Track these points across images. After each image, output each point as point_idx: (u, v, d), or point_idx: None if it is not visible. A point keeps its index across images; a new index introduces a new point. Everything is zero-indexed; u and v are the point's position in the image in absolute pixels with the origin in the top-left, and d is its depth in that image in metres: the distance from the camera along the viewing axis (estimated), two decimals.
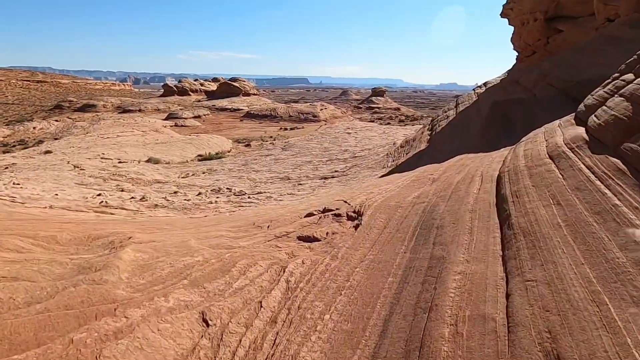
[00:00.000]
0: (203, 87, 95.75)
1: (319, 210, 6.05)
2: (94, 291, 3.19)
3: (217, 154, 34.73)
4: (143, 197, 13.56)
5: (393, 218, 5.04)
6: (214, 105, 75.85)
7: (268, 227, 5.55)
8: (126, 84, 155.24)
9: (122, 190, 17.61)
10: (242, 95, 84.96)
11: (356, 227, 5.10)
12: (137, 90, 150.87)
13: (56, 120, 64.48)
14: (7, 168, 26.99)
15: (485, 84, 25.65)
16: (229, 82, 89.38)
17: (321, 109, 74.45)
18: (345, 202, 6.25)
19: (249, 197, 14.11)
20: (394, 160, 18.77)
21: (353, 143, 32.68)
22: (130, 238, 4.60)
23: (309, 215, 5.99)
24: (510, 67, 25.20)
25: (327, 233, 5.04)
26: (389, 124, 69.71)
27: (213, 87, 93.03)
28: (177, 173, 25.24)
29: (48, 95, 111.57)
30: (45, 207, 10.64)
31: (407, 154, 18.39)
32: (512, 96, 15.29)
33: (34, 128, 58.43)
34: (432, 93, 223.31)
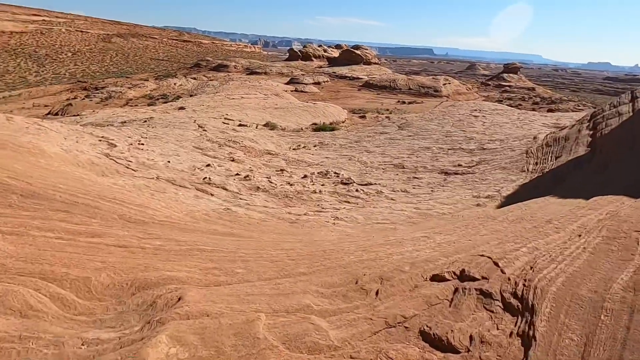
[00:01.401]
0: (325, 54, 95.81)
1: (453, 274, 4.08)
2: None
3: (331, 124, 33.99)
4: (247, 176, 12.94)
5: (596, 339, 2.88)
6: (334, 72, 75.32)
7: (377, 293, 3.82)
8: (256, 47, 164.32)
9: (233, 160, 17.52)
10: (363, 64, 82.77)
11: (522, 336, 3.06)
12: (265, 53, 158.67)
13: (193, 78, 70.71)
14: (145, 122, 29.73)
15: None
16: (351, 49, 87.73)
17: (444, 84, 68.74)
18: (495, 264, 4.15)
19: (356, 190, 12.52)
20: (537, 164, 15.20)
21: (480, 129, 28.57)
22: (180, 299, 3.33)
23: (438, 278, 4.07)
24: None
25: (470, 338, 3.12)
26: (519, 105, 60.84)
27: (335, 53, 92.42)
28: (289, 143, 24.86)
29: (191, 54, 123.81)
30: (152, 178, 10.49)
31: (556, 158, 14.66)
32: None
33: (175, 84, 64.84)
34: (575, 72, 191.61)
